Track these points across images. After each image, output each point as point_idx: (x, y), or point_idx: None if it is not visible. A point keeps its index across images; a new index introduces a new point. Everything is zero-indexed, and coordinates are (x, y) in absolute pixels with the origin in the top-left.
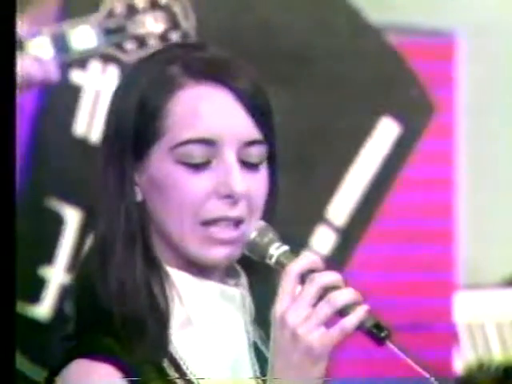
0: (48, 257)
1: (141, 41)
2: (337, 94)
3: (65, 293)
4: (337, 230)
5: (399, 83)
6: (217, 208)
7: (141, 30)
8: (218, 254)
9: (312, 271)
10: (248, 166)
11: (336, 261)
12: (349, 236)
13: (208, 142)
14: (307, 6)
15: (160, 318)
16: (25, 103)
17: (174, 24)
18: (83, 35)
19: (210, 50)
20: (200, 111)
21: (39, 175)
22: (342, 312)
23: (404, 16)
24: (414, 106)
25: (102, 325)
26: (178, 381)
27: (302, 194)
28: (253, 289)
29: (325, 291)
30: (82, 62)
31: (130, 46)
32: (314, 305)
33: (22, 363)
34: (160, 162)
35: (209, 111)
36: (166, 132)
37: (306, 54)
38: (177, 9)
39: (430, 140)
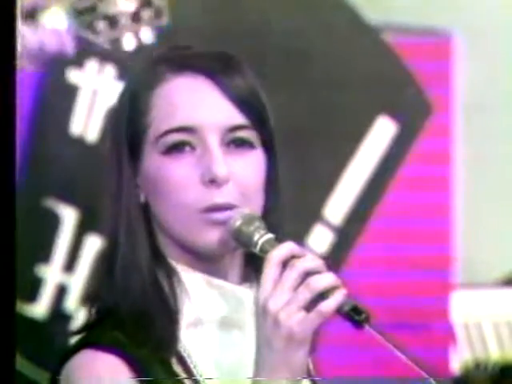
0: (45, 256)
1: (112, 20)
2: (334, 94)
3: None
4: (334, 228)
5: (396, 82)
6: (205, 195)
7: (112, 10)
8: (209, 237)
9: (294, 257)
10: (235, 151)
11: (333, 260)
12: (346, 235)
13: (187, 130)
14: (305, 6)
15: (168, 315)
16: (22, 102)
17: (145, 2)
18: (54, 16)
19: (200, 48)
20: (177, 101)
21: (36, 175)
22: (323, 296)
23: (401, 16)
24: (411, 106)
25: (112, 318)
26: (184, 379)
27: (298, 192)
28: None
29: (306, 276)
30: (78, 61)
31: (101, 26)
32: (295, 290)
33: (18, 361)
34: (149, 157)
35: (186, 100)
36: (151, 125)
37: (303, 54)
38: None
39: (426, 139)
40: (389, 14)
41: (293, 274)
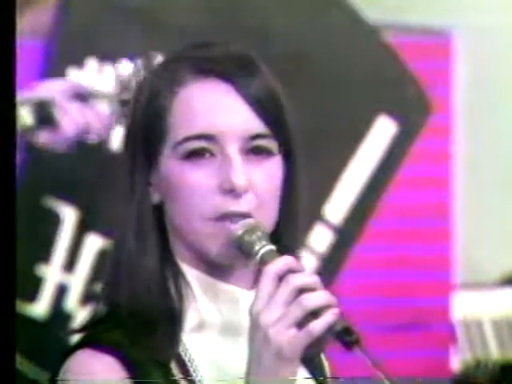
0: (45, 255)
1: None
2: (333, 93)
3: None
4: (334, 228)
5: (396, 82)
6: (221, 203)
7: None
8: (221, 246)
9: (291, 272)
10: (254, 159)
11: (333, 260)
12: (346, 235)
13: (207, 138)
14: (304, 6)
15: (171, 318)
16: None
17: None
18: (100, 105)
19: (222, 47)
20: (197, 108)
21: (36, 174)
22: (315, 314)
23: (401, 15)
24: (411, 105)
25: (114, 318)
26: (182, 382)
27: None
28: None
29: (299, 293)
30: (78, 61)
31: None
32: (288, 306)
33: (17, 360)
34: (167, 161)
35: (206, 107)
36: (170, 131)
37: (302, 54)
38: None
39: (427, 139)
40: (389, 13)
41: (286, 290)
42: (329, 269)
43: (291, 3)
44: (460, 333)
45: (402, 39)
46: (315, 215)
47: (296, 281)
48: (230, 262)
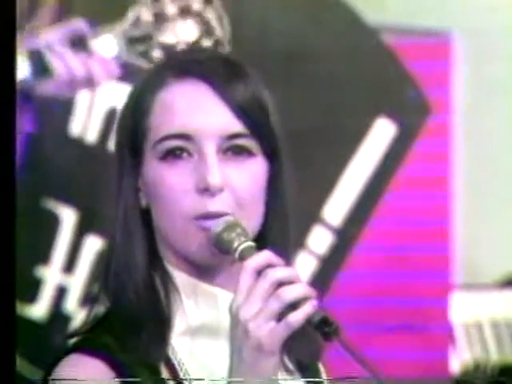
0: (44, 257)
1: (170, 49)
2: (333, 95)
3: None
4: (333, 230)
5: (395, 84)
6: (198, 203)
7: (170, 39)
8: (201, 245)
9: (270, 267)
10: (233, 158)
11: (332, 261)
12: (345, 236)
13: (184, 137)
14: (303, 7)
15: (160, 321)
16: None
17: (206, 31)
18: (105, 44)
19: (207, 51)
20: (176, 107)
21: (35, 175)
22: (294, 307)
23: (400, 17)
24: (410, 107)
25: (106, 322)
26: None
27: (297, 193)
28: None
29: (278, 286)
30: None
31: (157, 54)
32: (266, 300)
33: (17, 362)
34: (149, 163)
35: (185, 107)
36: (150, 131)
37: (302, 55)
38: (210, 15)
39: (426, 140)
40: (388, 14)
41: (265, 284)
42: (328, 270)
43: (291, 5)
44: (459, 334)
45: (401, 40)
46: (315, 217)
47: (274, 274)
48: (210, 261)
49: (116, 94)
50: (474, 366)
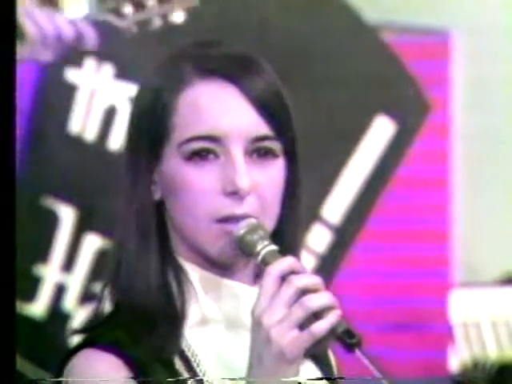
0: (43, 255)
1: (139, 3)
2: (332, 93)
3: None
4: (332, 228)
5: (394, 82)
6: (225, 205)
7: None
8: (223, 247)
9: (293, 273)
10: (258, 161)
11: (331, 260)
12: (344, 235)
13: (212, 139)
14: (304, 6)
15: (173, 314)
16: (20, 101)
17: None
18: (75, 3)
19: (226, 47)
20: (203, 108)
21: (34, 174)
22: (317, 315)
23: (399, 16)
24: (409, 105)
25: (116, 317)
26: (185, 375)
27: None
28: None
29: (302, 294)
30: (76, 60)
31: (127, 9)
32: (290, 307)
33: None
34: (171, 161)
35: (212, 108)
36: (175, 130)
37: (302, 54)
38: None
39: (425, 139)
40: (387, 13)
41: (289, 291)
42: (327, 268)
43: (291, 5)
44: (458, 333)
45: (400, 39)
46: (314, 215)
47: (299, 281)
48: (231, 261)
49: (115, 92)
50: (472, 364)
